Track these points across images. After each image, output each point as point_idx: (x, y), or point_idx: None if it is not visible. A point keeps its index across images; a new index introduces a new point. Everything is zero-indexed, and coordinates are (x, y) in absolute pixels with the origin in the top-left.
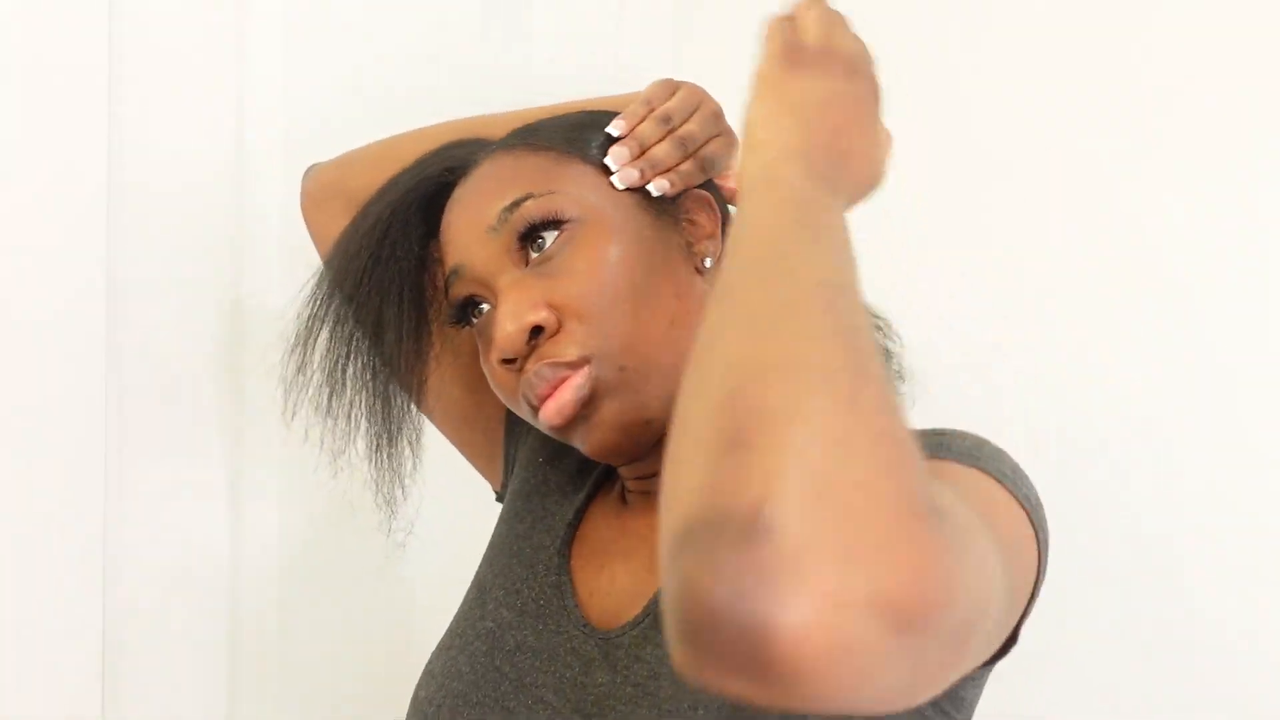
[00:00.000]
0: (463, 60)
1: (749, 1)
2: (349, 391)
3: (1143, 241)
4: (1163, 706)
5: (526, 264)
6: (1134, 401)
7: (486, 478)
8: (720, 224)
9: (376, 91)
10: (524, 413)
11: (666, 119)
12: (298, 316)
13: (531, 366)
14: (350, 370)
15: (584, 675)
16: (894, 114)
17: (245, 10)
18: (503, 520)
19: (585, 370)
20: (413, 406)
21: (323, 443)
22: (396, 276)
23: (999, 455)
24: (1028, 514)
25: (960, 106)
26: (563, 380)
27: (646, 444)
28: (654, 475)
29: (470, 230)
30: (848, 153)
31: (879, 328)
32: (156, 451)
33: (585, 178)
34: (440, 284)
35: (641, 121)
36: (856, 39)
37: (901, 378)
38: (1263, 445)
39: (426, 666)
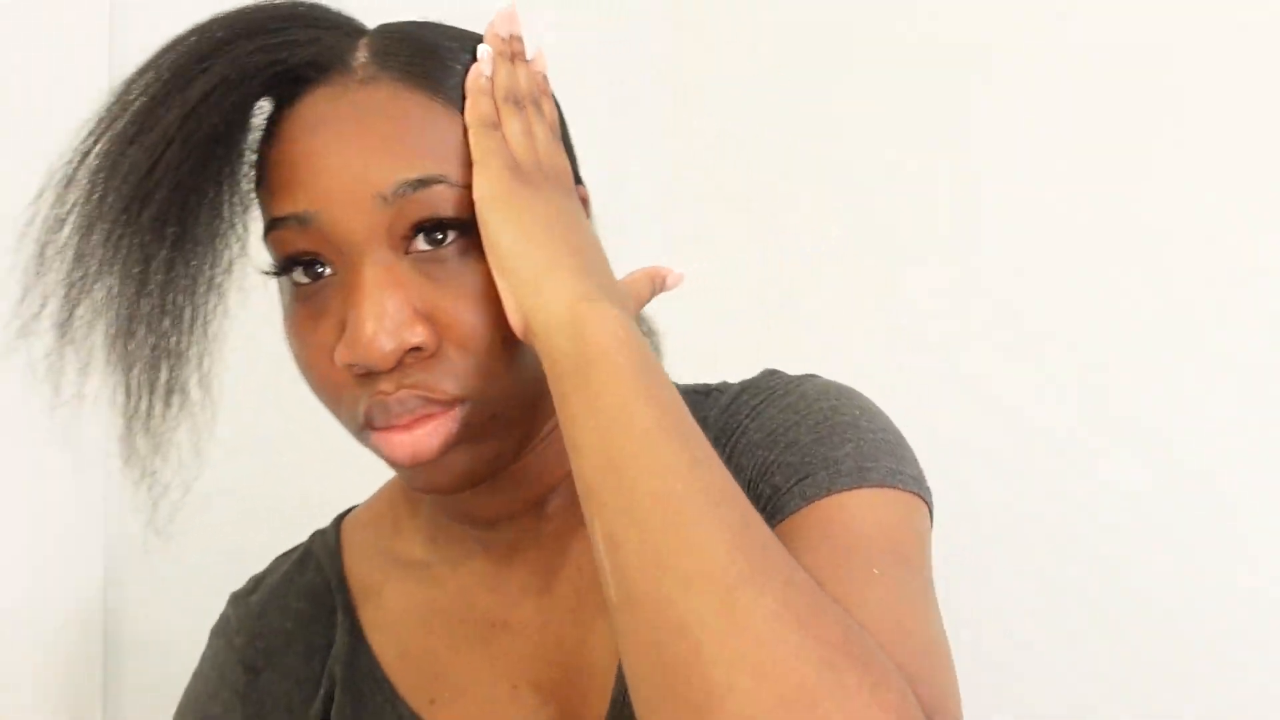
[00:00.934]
0: None
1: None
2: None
3: (1145, 241)
4: (1158, 704)
5: (406, 251)
6: (1134, 402)
7: None
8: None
9: None
10: (345, 419)
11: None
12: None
13: (392, 392)
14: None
15: None
16: (897, 114)
17: None
18: None
19: (455, 412)
20: (201, 328)
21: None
22: (214, 172)
23: (876, 444)
24: (916, 494)
25: (960, 106)
26: (428, 417)
27: (482, 480)
28: (501, 516)
29: (347, 185)
30: (605, 269)
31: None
32: None
33: None
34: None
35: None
36: (557, 149)
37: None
38: (1264, 444)
39: None
